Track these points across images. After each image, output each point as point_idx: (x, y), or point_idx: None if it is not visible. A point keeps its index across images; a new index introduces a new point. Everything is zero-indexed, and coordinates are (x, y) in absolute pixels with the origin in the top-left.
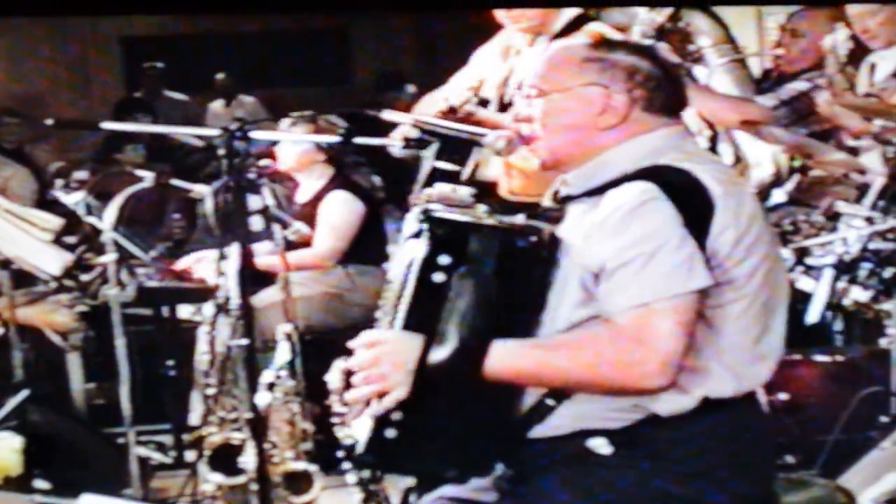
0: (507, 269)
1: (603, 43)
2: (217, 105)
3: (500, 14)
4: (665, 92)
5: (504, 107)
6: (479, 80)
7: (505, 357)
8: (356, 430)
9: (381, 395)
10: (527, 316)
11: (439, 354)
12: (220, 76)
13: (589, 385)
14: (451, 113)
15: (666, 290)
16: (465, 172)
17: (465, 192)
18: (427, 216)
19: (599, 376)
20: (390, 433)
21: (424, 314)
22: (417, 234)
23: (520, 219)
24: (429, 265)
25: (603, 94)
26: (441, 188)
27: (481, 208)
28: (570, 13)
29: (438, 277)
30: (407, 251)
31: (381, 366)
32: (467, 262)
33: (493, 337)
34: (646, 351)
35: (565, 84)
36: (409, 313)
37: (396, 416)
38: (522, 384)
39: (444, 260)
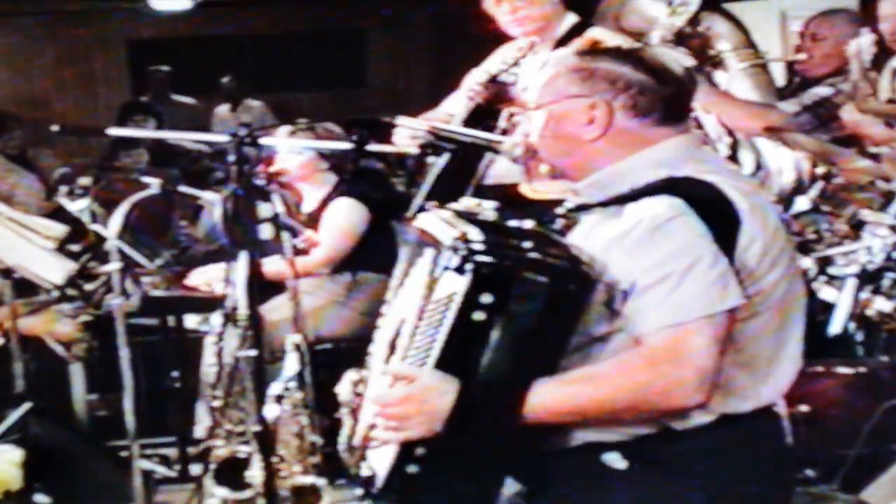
0: (552, 309)
1: (588, 52)
2: (223, 109)
3: (504, 20)
4: (654, 98)
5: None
6: (527, 45)
7: (541, 400)
8: (375, 463)
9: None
10: (564, 348)
11: (474, 401)
12: (224, 80)
13: (630, 412)
14: (492, 83)
15: (701, 308)
16: (479, 173)
17: (489, 207)
18: (469, 250)
19: (640, 402)
20: (412, 468)
21: (460, 353)
22: (460, 270)
23: (565, 252)
24: (469, 303)
25: (585, 105)
26: (467, 202)
27: (491, 211)
28: (571, 20)
29: (478, 316)
30: (445, 284)
31: (409, 406)
32: (510, 301)
33: (531, 376)
34: (683, 370)
35: (553, 96)
36: (443, 351)
37: (419, 450)
38: (562, 423)
39: (486, 298)
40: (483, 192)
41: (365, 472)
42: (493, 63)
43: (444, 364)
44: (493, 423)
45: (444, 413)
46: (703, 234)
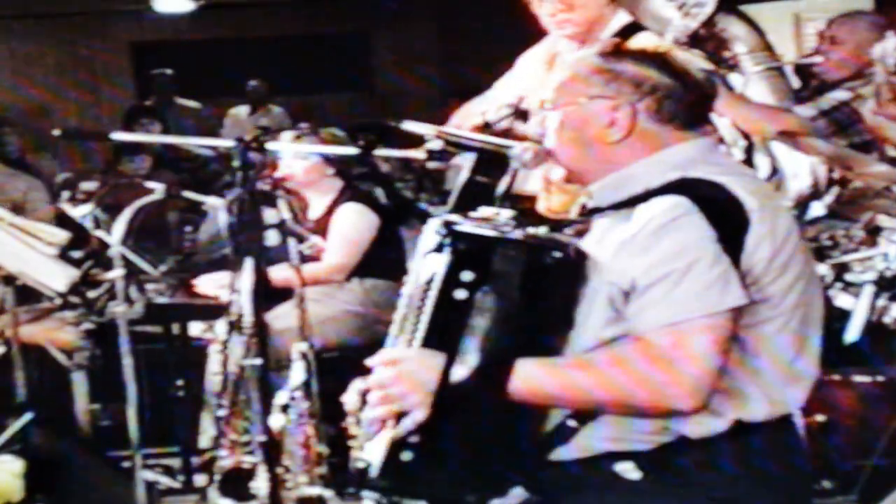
0: (532, 285)
1: (613, 53)
2: (241, 111)
3: (546, 20)
4: (678, 102)
5: None
6: (518, 96)
7: (529, 377)
8: (369, 453)
9: (397, 416)
10: (552, 334)
11: (460, 374)
12: (252, 83)
13: (617, 406)
14: (486, 128)
15: (700, 308)
16: (503, 185)
17: (507, 215)
18: (449, 230)
19: (629, 397)
20: (406, 456)
21: (445, 332)
22: (439, 248)
23: (545, 232)
24: (451, 281)
25: (608, 106)
26: (485, 211)
27: (507, 221)
28: (620, 22)
29: (460, 294)
30: (427, 265)
31: (400, 385)
32: (491, 278)
33: (517, 356)
34: (678, 371)
35: (574, 97)
36: (429, 331)
37: (413, 438)
38: (547, 405)
39: (466, 276)
40: (514, 201)
41: (360, 464)
42: (491, 108)
43: (429, 342)
44: (479, 396)
45: (432, 386)
46: (706, 233)
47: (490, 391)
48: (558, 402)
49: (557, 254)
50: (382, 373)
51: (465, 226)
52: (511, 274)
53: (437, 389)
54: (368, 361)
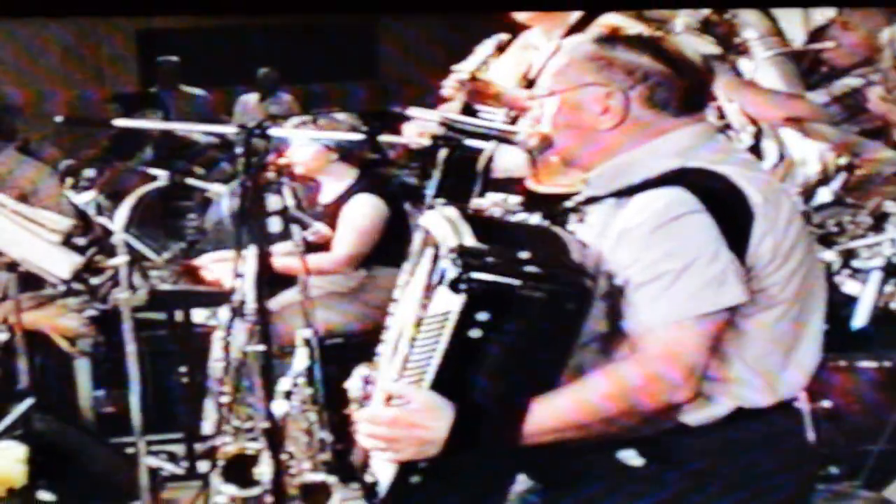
0: (548, 326)
1: (606, 39)
2: (250, 98)
3: None
4: (671, 88)
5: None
6: (496, 46)
7: (537, 420)
8: (379, 471)
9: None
10: (560, 363)
11: (471, 427)
12: (263, 70)
13: (624, 415)
14: (471, 81)
15: (695, 308)
16: (482, 161)
17: (514, 202)
18: (465, 264)
19: (632, 405)
20: (415, 479)
21: (457, 372)
22: (454, 286)
23: (565, 261)
24: (465, 321)
25: (601, 94)
26: (492, 198)
27: (525, 247)
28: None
29: (475, 333)
30: (440, 300)
31: (395, 430)
32: (507, 319)
33: (528, 392)
34: (671, 365)
35: (568, 85)
36: (440, 369)
37: (422, 462)
38: (562, 439)
39: (482, 316)
40: (491, 186)
41: (368, 478)
42: (469, 62)
43: (440, 384)
44: (490, 447)
45: (438, 441)
46: (706, 231)
47: (501, 442)
48: (570, 432)
49: (578, 291)
50: (381, 411)
51: (480, 257)
52: (527, 315)
53: (444, 443)
54: (377, 391)
